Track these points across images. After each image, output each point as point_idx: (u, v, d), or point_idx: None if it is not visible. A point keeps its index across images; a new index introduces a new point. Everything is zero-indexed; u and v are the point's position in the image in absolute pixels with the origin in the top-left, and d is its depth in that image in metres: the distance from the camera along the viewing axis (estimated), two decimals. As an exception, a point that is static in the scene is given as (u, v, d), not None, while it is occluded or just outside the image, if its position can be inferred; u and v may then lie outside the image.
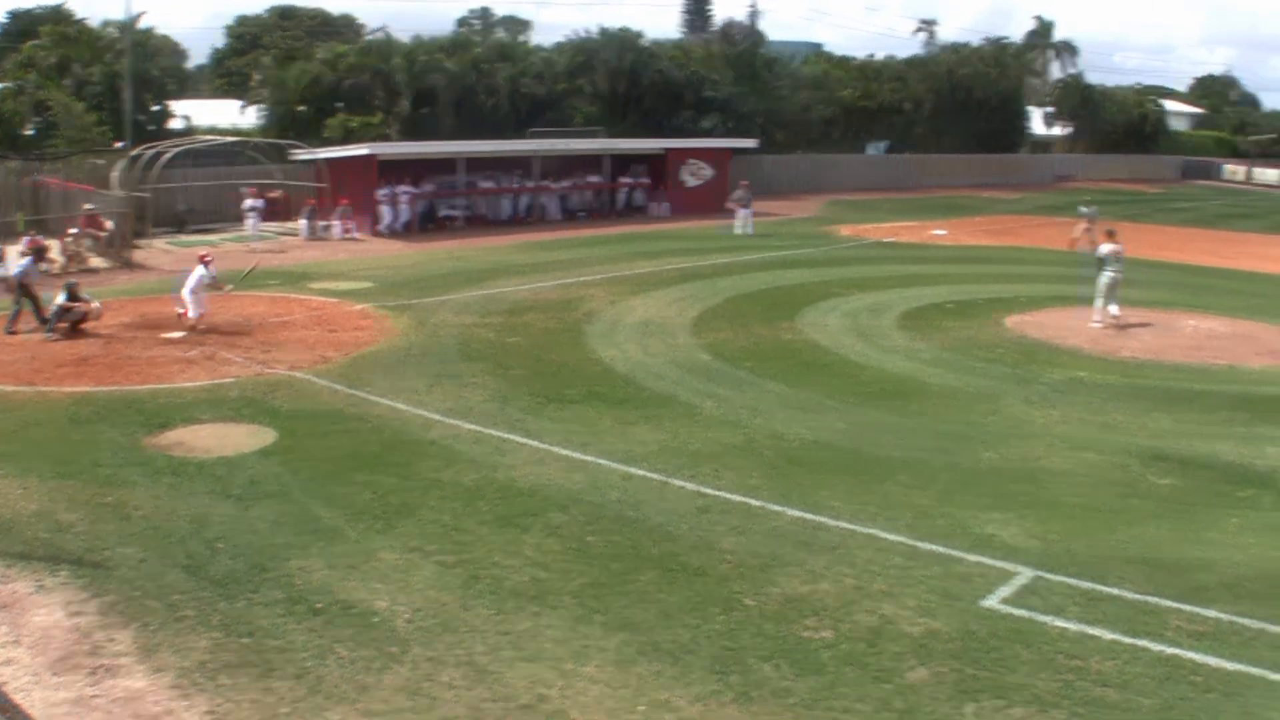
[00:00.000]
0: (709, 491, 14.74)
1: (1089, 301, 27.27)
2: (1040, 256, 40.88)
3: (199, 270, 24.29)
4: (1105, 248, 27.08)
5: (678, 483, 15.07)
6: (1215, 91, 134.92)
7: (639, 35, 69.51)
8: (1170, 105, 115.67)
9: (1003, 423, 18.65)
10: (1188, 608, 11.49)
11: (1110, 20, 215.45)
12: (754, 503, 14.38)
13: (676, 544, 13.00)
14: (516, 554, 12.59)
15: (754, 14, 79.46)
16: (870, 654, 10.48)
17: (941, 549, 13.01)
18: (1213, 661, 10.38)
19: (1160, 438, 17.79)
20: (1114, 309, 26.77)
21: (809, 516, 13.92)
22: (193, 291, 24.00)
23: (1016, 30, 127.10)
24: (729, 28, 79.54)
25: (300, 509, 13.90)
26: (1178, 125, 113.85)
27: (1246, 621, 11.20)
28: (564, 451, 16.34)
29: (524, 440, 16.87)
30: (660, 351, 23.21)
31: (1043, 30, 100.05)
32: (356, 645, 10.38)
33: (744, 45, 74.58)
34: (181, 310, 24.18)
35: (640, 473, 15.44)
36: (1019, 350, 24.17)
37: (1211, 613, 11.39)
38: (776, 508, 14.20)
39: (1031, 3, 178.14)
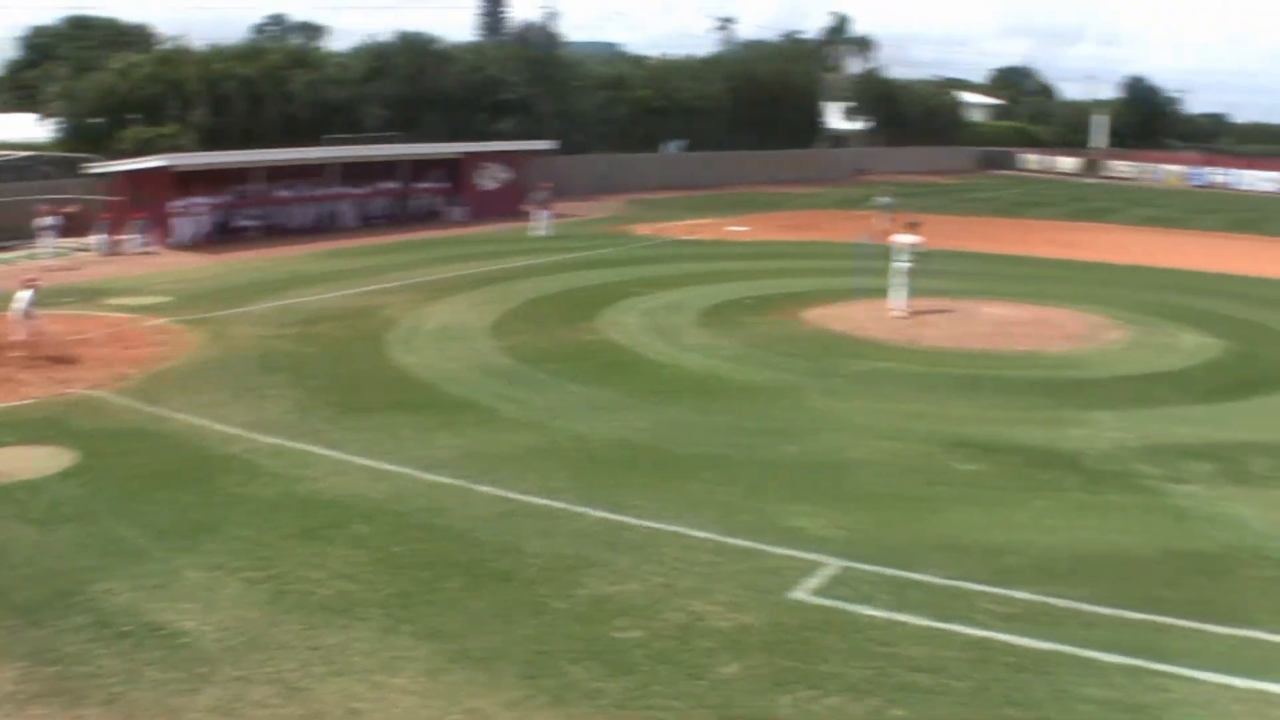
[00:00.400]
0: (512, 495, 14.95)
1: (885, 293, 28.03)
2: (839, 250, 41.41)
3: (27, 294, 23.71)
4: (901, 238, 27.97)
5: (481, 488, 15.24)
6: (1012, 83, 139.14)
7: (434, 40, 69.22)
8: (969, 97, 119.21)
9: (805, 416, 19.17)
10: (997, 590, 12.03)
11: (907, 13, 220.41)
12: (558, 505, 14.62)
13: (482, 549, 13.19)
14: (322, 567, 12.65)
15: (550, 16, 79.85)
16: (682, 651, 10.74)
17: (749, 543, 13.36)
18: (1024, 642, 10.88)
19: (963, 424, 18.49)
20: (901, 299, 27.62)
21: (613, 517, 14.21)
22: (26, 314, 23.53)
23: (814, 26, 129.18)
24: (525, 30, 79.66)
25: (104, 530, 13.74)
26: (977, 116, 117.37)
27: (1055, 601, 11.78)
28: (366, 461, 16.38)
29: (325, 451, 16.88)
30: (460, 356, 23.29)
31: (839, 26, 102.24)
32: (166, 667, 10.34)
33: (541, 48, 74.70)
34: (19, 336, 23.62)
35: (443, 480, 15.58)
36: (819, 344, 24.86)
37: (1021, 594, 11.94)
38: (580, 509, 14.45)
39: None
